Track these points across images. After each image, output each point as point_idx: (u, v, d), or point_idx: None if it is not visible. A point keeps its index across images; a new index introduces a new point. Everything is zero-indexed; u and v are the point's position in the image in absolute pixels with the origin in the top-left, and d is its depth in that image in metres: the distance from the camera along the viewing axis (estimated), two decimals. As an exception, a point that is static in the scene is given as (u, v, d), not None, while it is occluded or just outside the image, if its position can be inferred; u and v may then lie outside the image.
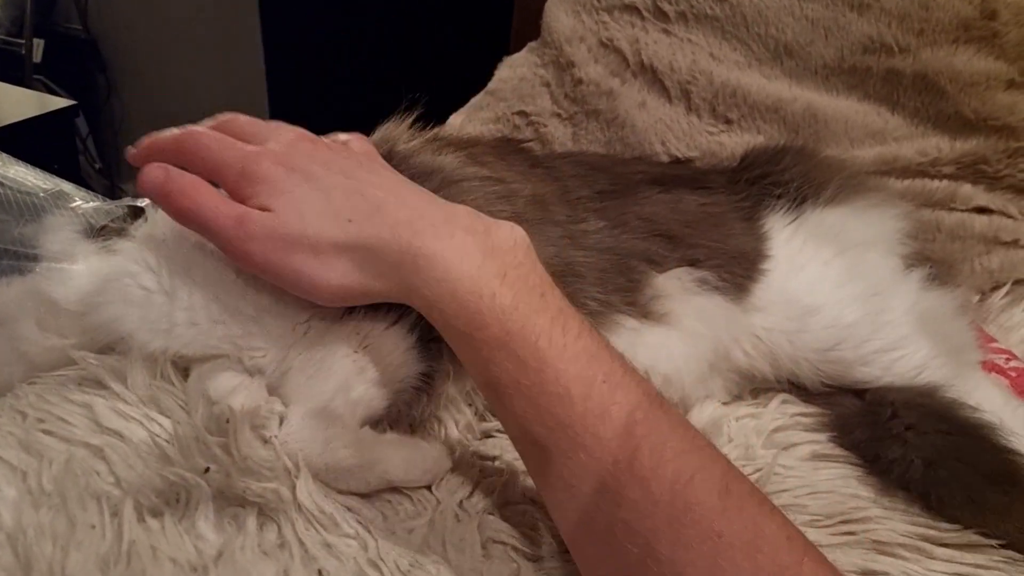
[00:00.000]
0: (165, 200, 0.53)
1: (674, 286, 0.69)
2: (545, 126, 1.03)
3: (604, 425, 0.46)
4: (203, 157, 0.53)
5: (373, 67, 1.68)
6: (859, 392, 0.70)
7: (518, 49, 1.09)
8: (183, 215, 0.52)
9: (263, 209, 0.52)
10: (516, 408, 0.49)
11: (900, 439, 0.62)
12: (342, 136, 0.61)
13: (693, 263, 0.70)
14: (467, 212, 0.54)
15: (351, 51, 1.70)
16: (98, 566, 0.49)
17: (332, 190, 0.53)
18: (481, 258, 0.51)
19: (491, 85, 1.08)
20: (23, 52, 2.07)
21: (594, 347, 0.49)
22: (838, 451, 0.65)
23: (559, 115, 1.03)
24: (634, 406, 0.47)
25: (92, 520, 0.52)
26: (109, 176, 2.40)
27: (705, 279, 0.70)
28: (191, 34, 2.19)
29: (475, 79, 1.10)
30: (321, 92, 1.83)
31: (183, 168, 0.53)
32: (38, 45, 2.16)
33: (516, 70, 1.07)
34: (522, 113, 1.04)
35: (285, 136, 0.56)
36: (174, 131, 0.54)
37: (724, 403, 0.71)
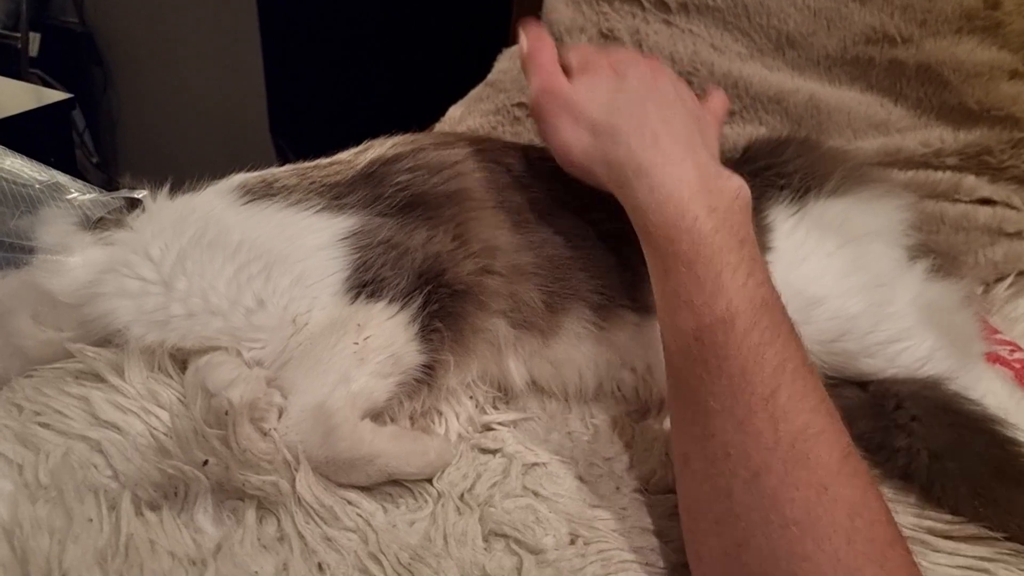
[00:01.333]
0: (530, 40, 0.68)
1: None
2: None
3: (756, 362, 0.50)
4: (578, 46, 0.71)
5: (373, 56, 1.67)
6: (863, 384, 0.69)
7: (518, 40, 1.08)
8: (527, 57, 0.68)
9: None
10: (679, 321, 0.53)
11: (905, 429, 0.62)
12: (659, 68, 0.69)
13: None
14: (710, 155, 0.61)
15: (350, 43, 1.70)
16: (96, 560, 0.49)
17: (626, 90, 0.64)
18: (698, 189, 0.56)
19: (491, 76, 1.08)
20: (19, 46, 2.06)
21: (771, 300, 0.53)
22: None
23: (560, 106, 1.02)
24: (787, 358, 0.50)
25: (90, 513, 0.51)
26: (106, 170, 2.38)
27: (708, 270, 0.69)
28: (188, 27, 2.18)
29: (475, 70, 1.09)
30: (320, 88, 1.82)
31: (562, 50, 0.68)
32: (34, 39, 2.14)
33: (516, 61, 1.06)
34: (522, 105, 1.03)
35: (637, 55, 0.69)
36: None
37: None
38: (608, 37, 0.99)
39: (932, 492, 0.59)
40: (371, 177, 0.66)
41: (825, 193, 0.75)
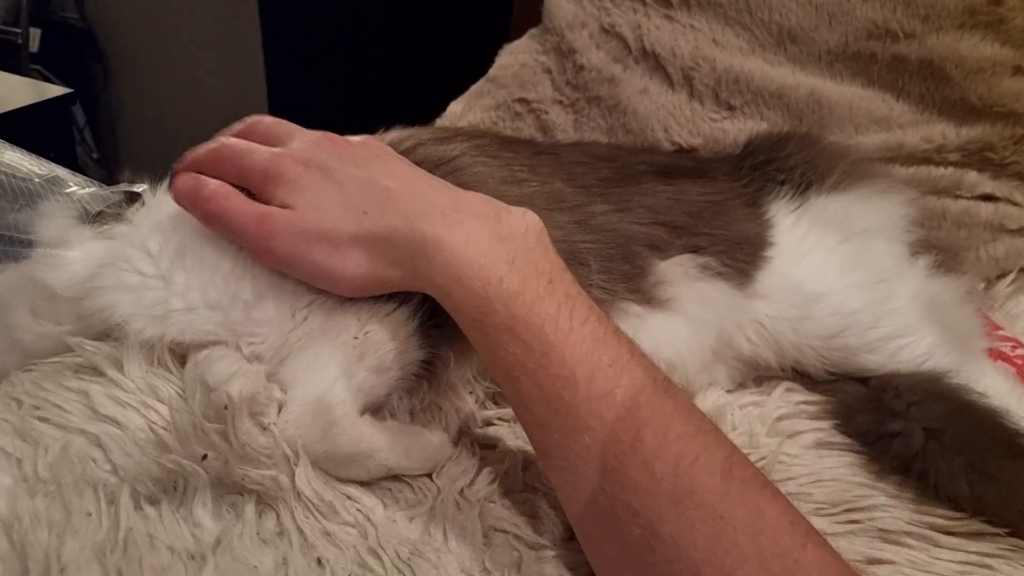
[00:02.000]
0: (193, 205, 0.57)
1: (677, 272, 0.68)
2: (546, 113, 1.02)
3: (608, 407, 0.47)
4: (232, 163, 0.57)
5: (374, 51, 1.67)
6: (863, 379, 0.69)
7: (519, 36, 1.08)
8: (210, 218, 0.56)
9: (285, 207, 0.55)
10: (523, 390, 0.50)
11: (902, 415, 0.62)
12: (355, 139, 0.62)
13: (696, 250, 0.70)
14: (479, 199, 0.55)
15: (351, 38, 1.69)
16: (94, 554, 0.48)
17: (347, 183, 0.55)
18: (488, 243, 0.52)
19: (492, 72, 1.07)
20: (19, 41, 2.06)
21: (601, 332, 0.50)
22: (842, 439, 0.64)
23: (560, 102, 1.02)
24: (638, 389, 0.48)
25: (88, 508, 0.51)
26: (107, 166, 2.38)
27: (708, 265, 0.69)
28: (189, 23, 2.18)
29: (476, 66, 1.09)
30: (320, 84, 1.82)
31: (219, 176, 0.57)
32: (35, 34, 2.15)
33: (517, 57, 1.06)
34: (523, 100, 1.03)
35: (304, 135, 0.59)
36: (209, 145, 0.59)
37: (728, 391, 0.71)
38: (609, 32, 0.99)
39: (928, 477, 0.59)
40: None
41: (826, 189, 0.75)
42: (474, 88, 1.08)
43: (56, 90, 1.61)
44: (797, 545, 0.42)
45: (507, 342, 0.50)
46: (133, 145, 2.51)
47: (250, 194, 0.57)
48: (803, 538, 0.43)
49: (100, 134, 2.44)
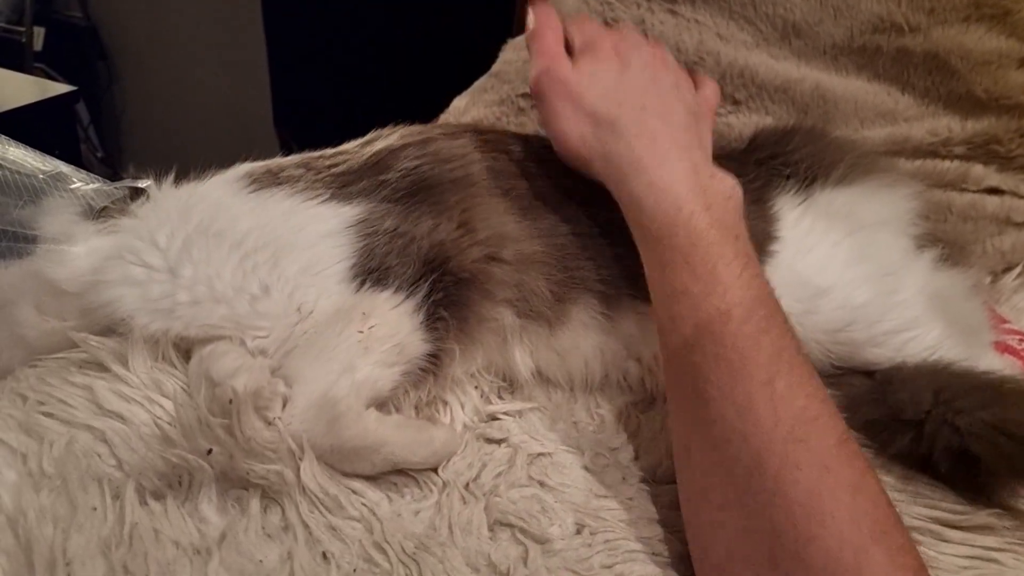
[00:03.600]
0: (538, 19, 0.68)
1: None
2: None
3: (752, 346, 0.51)
4: (581, 22, 0.69)
5: (377, 47, 1.67)
6: (869, 373, 0.69)
7: (522, 31, 1.07)
8: (532, 36, 0.67)
9: (578, 65, 0.65)
10: (677, 311, 0.54)
11: (907, 385, 0.62)
12: (674, 65, 0.69)
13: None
14: (704, 156, 0.62)
15: (354, 34, 1.69)
16: (100, 549, 0.48)
17: (630, 81, 0.64)
18: (694, 186, 0.57)
19: (495, 67, 1.07)
20: (23, 40, 2.06)
21: (765, 293, 0.54)
22: (848, 432, 0.64)
23: (564, 97, 1.01)
24: (783, 347, 0.51)
25: (93, 502, 0.51)
26: (111, 165, 2.38)
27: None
28: (192, 21, 2.18)
29: (479, 62, 1.09)
30: (324, 81, 1.82)
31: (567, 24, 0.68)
32: (38, 33, 2.15)
33: (520, 52, 1.05)
34: (527, 95, 1.03)
35: (640, 40, 0.68)
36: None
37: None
38: (613, 27, 0.98)
39: (940, 436, 0.59)
40: (377, 166, 0.66)
41: (832, 182, 0.75)
42: (478, 84, 1.08)
43: (59, 88, 1.61)
44: (890, 519, 0.45)
45: (679, 266, 0.54)
46: (137, 143, 2.51)
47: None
48: (896, 518, 0.46)
49: (104, 132, 2.45)
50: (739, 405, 0.49)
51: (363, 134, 0.75)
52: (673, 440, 0.55)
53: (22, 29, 2.04)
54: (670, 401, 0.56)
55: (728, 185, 0.60)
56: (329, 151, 0.70)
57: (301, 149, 0.73)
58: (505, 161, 0.68)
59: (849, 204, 0.74)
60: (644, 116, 0.61)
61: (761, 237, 0.71)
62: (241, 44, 2.02)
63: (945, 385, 0.61)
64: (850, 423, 0.63)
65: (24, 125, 1.51)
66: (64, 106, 1.64)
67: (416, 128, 0.71)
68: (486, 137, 0.70)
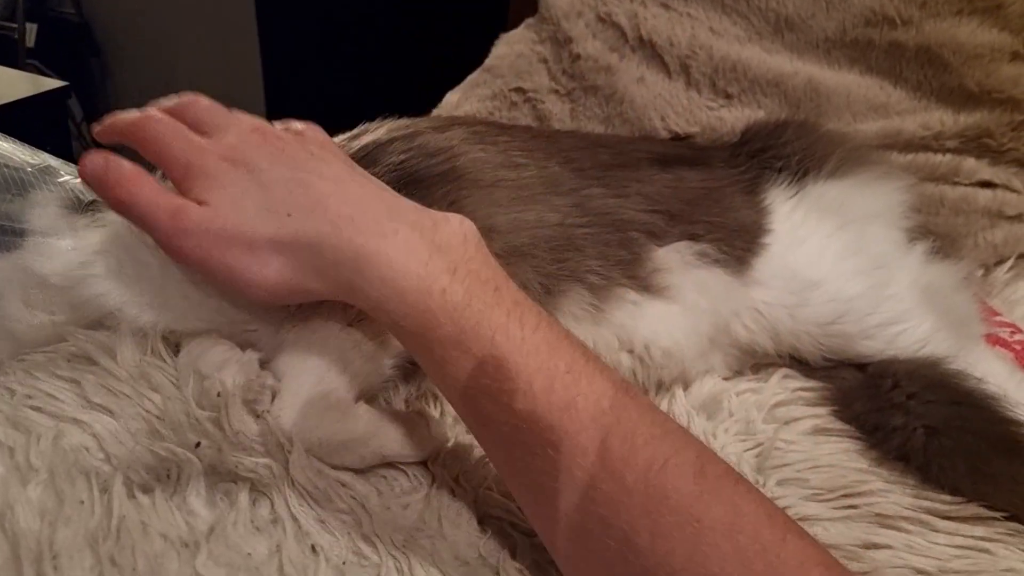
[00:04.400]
0: (102, 189, 0.51)
1: (674, 259, 0.67)
2: (543, 102, 1.01)
3: (570, 417, 0.44)
4: (155, 145, 0.52)
5: (370, 45, 1.66)
6: (861, 366, 0.69)
7: (515, 25, 1.08)
8: (119, 205, 0.51)
9: (202, 203, 0.50)
10: (479, 408, 0.47)
11: (902, 408, 0.62)
12: (297, 124, 0.58)
13: (693, 237, 0.69)
14: (413, 208, 0.52)
15: (347, 31, 1.69)
16: (87, 542, 0.48)
17: (275, 184, 0.51)
18: (428, 254, 0.49)
19: (488, 62, 1.07)
20: (16, 36, 2.05)
21: (554, 338, 0.47)
22: (839, 425, 0.64)
23: (557, 91, 1.01)
24: (599, 395, 0.45)
25: (81, 496, 0.51)
26: (104, 161, 2.38)
27: (705, 252, 0.69)
28: (184, 17, 2.17)
29: (472, 56, 1.09)
30: (317, 77, 1.81)
31: (138, 149, 0.52)
32: (31, 29, 2.14)
33: (513, 47, 1.05)
34: (519, 90, 1.03)
35: (238, 127, 0.54)
36: (135, 113, 0.53)
37: (725, 378, 0.70)
38: (606, 21, 0.98)
39: (930, 471, 0.59)
40: (364, 160, 0.66)
41: (824, 175, 0.75)
42: (471, 78, 1.08)
43: (51, 83, 1.61)
44: (777, 539, 0.41)
45: (456, 357, 0.47)
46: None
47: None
48: (782, 531, 0.41)
49: (97, 129, 2.44)
50: (583, 489, 0.43)
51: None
52: (541, 539, 0.49)
53: (15, 25, 2.03)
54: (517, 499, 0.50)
55: (454, 227, 0.51)
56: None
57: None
58: (492, 153, 0.68)
59: (841, 197, 0.74)
60: (322, 212, 0.50)
61: (753, 230, 0.71)
62: (234, 40, 2.01)
63: (938, 426, 0.60)
64: (842, 417, 0.65)
65: (16, 120, 1.50)
66: (56, 101, 1.64)
67: (403, 122, 0.71)
68: (474, 129, 0.70)
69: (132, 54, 2.37)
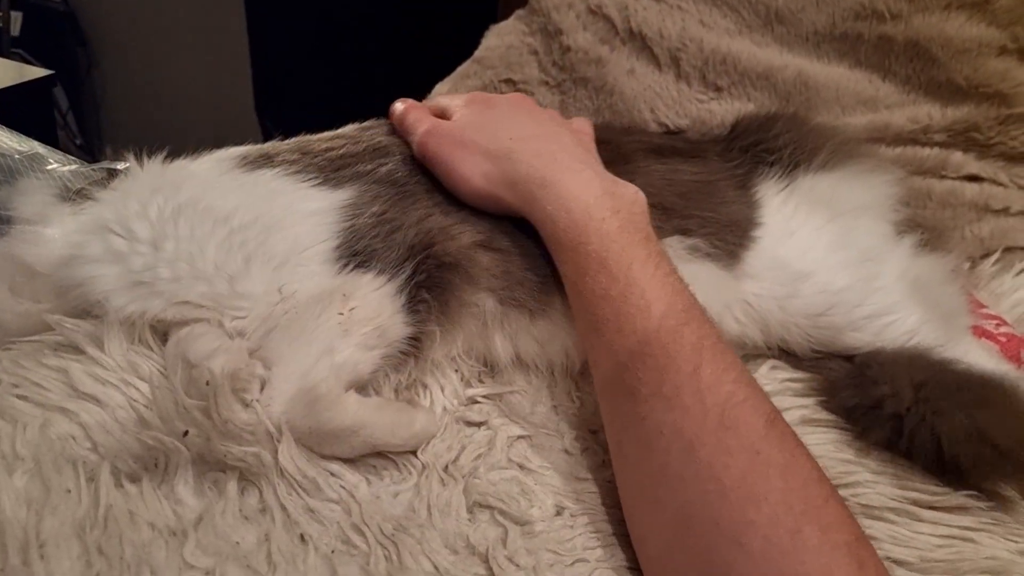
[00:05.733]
0: (401, 105, 0.72)
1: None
2: (533, 94, 1.01)
3: (675, 340, 0.52)
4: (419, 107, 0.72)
5: (359, 33, 1.65)
6: (848, 356, 0.69)
7: (506, 17, 1.07)
8: (399, 118, 0.71)
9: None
10: (599, 314, 0.56)
11: (888, 380, 0.62)
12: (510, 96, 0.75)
13: (685, 232, 0.69)
14: (602, 166, 0.65)
15: (336, 20, 1.68)
16: (74, 531, 0.48)
17: (508, 116, 0.69)
18: (600, 193, 0.60)
19: (478, 53, 1.06)
20: (1, 25, 2.03)
21: (680, 286, 0.56)
22: (827, 416, 0.64)
23: (547, 83, 1.01)
24: (703, 335, 0.53)
25: (68, 485, 0.50)
26: (91, 151, 2.36)
27: (696, 246, 0.69)
28: (172, 6, 2.16)
29: (462, 47, 1.08)
30: (306, 68, 1.80)
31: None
32: (16, 18, 2.12)
33: (503, 38, 1.05)
34: (509, 81, 1.02)
35: (496, 95, 0.76)
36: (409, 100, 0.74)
37: (713, 370, 0.70)
38: (596, 13, 0.98)
39: (921, 432, 0.59)
40: (376, 153, 0.66)
41: (814, 168, 0.75)
42: (460, 69, 1.07)
43: (37, 72, 1.59)
44: (822, 496, 0.46)
45: (595, 270, 0.56)
46: (116, 129, 2.49)
47: None
48: (828, 493, 0.46)
49: (83, 119, 2.42)
50: (667, 397, 0.50)
51: (344, 120, 0.75)
52: (607, 437, 0.56)
53: (-1, 14, 2.02)
54: (600, 400, 0.57)
55: (631, 191, 0.62)
56: (326, 134, 0.71)
57: (282, 136, 0.73)
58: None
59: (831, 190, 0.74)
60: (535, 142, 0.64)
61: (744, 224, 0.71)
62: (222, 31, 2.00)
63: (926, 380, 0.61)
64: (829, 407, 0.65)
65: (1, 109, 1.49)
66: (41, 90, 1.62)
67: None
68: None
69: (119, 43, 2.35)
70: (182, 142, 0.69)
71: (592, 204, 0.59)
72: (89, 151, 2.35)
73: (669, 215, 0.69)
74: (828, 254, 0.70)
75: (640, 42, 0.96)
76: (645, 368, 0.52)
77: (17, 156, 0.67)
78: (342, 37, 1.67)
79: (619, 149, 0.74)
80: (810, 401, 0.66)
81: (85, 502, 0.50)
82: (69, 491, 0.50)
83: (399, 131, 0.71)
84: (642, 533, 0.51)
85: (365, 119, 0.76)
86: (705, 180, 0.74)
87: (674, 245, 0.68)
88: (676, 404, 0.50)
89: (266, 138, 0.73)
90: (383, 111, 0.74)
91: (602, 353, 0.56)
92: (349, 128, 0.73)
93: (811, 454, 0.49)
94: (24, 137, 0.71)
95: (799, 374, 0.69)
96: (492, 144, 0.64)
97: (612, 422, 0.55)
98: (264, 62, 1.84)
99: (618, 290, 0.55)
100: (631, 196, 0.61)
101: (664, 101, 0.94)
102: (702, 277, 0.67)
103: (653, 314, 0.53)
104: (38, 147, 0.70)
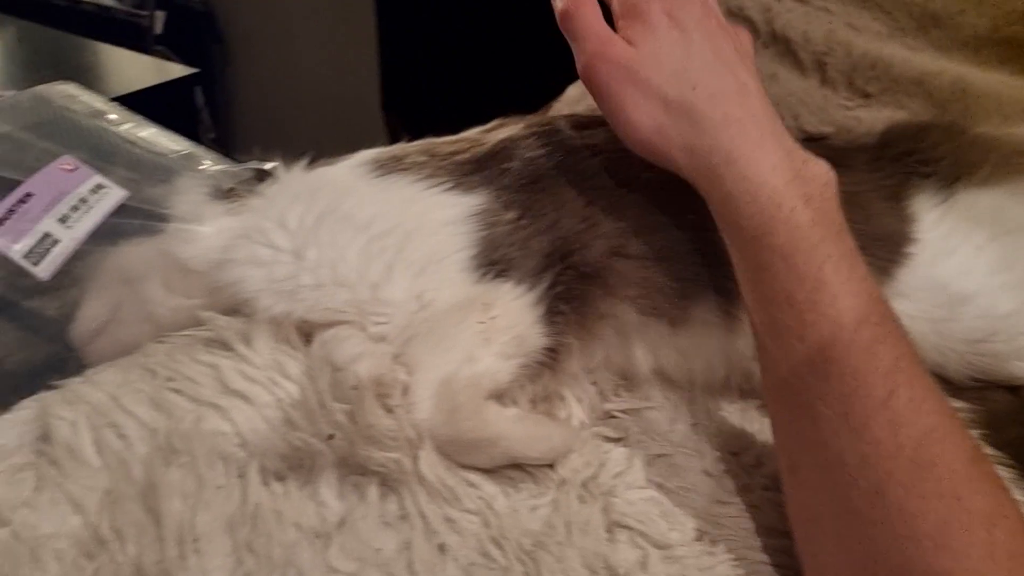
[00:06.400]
0: (563, 11, 0.58)
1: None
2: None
3: (869, 362, 0.46)
4: None
5: (489, 32, 1.66)
6: (1013, 388, 0.64)
7: None
8: (564, 16, 0.58)
9: (629, 42, 0.56)
10: (780, 319, 0.49)
11: None
12: (732, 28, 0.61)
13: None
14: (792, 140, 0.55)
15: (467, 24, 1.69)
16: (226, 527, 0.49)
17: (697, 56, 0.56)
18: (791, 177, 0.52)
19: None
20: (146, 23, 2.14)
21: (876, 293, 0.49)
22: (990, 451, 0.60)
23: (682, 87, 0.99)
24: (900, 355, 0.46)
25: (219, 481, 0.52)
26: (223, 146, 2.46)
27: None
28: (304, 6, 2.22)
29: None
30: (435, 66, 1.82)
31: None
32: (159, 16, 2.23)
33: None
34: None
35: None
36: None
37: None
38: (737, 15, 0.95)
39: None
40: (500, 155, 0.65)
41: (976, 182, 0.70)
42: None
43: (181, 70, 1.66)
44: None
45: (779, 268, 0.49)
46: (249, 126, 2.58)
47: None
48: None
49: (217, 115, 2.52)
50: (854, 426, 0.45)
51: (473, 119, 0.74)
52: (778, 456, 0.51)
53: (145, 13, 2.12)
54: (771, 413, 0.52)
55: (823, 170, 0.54)
56: (451, 137, 0.70)
57: (409, 134, 0.73)
58: (625, 152, 0.66)
59: (994, 206, 0.69)
60: (721, 101, 0.54)
61: (897, 239, 0.67)
62: (353, 29, 2.04)
63: None
64: (991, 442, 0.60)
65: (146, 105, 1.55)
66: (184, 88, 1.69)
67: (542, 118, 0.70)
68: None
69: (253, 41, 2.44)
70: (311, 138, 0.70)
71: (782, 190, 0.51)
72: (222, 145, 2.45)
73: None
74: (991, 276, 0.66)
75: (783, 46, 0.92)
76: (830, 388, 0.46)
77: (173, 155, 0.70)
78: (472, 34, 1.68)
79: None
80: (972, 434, 0.61)
81: (235, 499, 0.51)
82: (220, 487, 0.51)
83: (561, 28, 0.59)
84: (820, 565, 0.47)
85: (492, 119, 0.75)
86: (853, 191, 0.70)
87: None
88: (865, 436, 0.44)
89: (392, 135, 0.73)
90: (511, 110, 0.74)
91: (777, 358, 0.50)
92: (473, 131, 0.73)
93: (1014, 497, 0.44)
94: (178, 136, 0.74)
95: (959, 403, 0.64)
96: (673, 91, 0.54)
97: (786, 437, 0.51)
98: (393, 60, 1.87)
99: (805, 294, 0.48)
100: (823, 177, 0.53)
101: (808, 107, 0.90)
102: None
103: (845, 325, 0.46)
104: (191, 146, 0.72)
